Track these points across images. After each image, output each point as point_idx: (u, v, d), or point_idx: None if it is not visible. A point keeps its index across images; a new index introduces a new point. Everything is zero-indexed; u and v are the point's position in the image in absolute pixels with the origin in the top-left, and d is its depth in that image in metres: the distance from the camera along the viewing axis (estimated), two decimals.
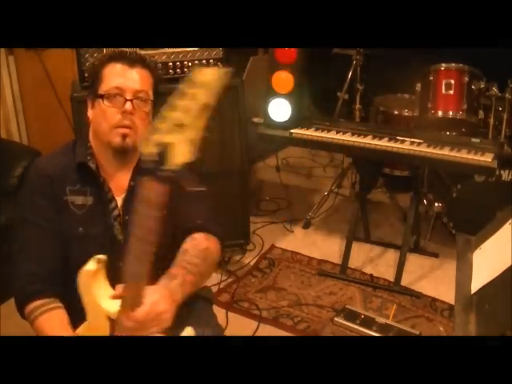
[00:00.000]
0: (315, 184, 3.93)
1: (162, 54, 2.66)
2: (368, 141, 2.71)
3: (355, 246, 3.01)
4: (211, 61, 2.71)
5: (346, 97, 3.30)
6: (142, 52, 2.60)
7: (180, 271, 1.44)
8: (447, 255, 3.00)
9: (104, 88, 1.54)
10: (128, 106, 1.51)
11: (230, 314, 2.62)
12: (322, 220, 3.46)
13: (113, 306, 1.34)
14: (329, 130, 2.82)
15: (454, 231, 2.95)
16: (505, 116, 2.79)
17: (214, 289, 2.75)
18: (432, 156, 2.59)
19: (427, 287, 2.80)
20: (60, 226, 1.55)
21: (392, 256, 3.05)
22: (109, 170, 1.59)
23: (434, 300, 2.70)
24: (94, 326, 1.39)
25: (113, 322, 1.35)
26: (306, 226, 3.39)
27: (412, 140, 2.68)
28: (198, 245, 1.54)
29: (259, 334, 2.51)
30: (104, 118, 1.53)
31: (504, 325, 1.12)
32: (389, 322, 2.52)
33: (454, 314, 1.34)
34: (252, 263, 3.03)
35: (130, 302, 1.30)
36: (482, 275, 1.30)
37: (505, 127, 2.80)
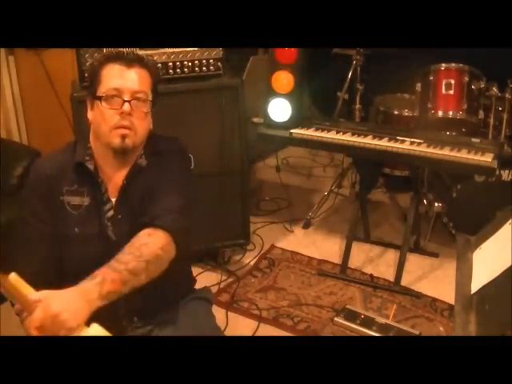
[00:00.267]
0: (315, 184, 3.93)
1: (162, 54, 2.66)
2: (368, 141, 2.71)
3: (355, 246, 3.01)
4: (211, 61, 2.71)
5: (346, 97, 3.30)
6: (142, 52, 2.65)
7: (102, 270, 1.38)
8: (447, 255, 3.00)
9: (102, 89, 1.54)
10: (126, 107, 1.51)
11: (229, 313, 2.62)
12: (322, 220, 3.46)
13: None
14: (329, 130, 2.82)
15: (453, 231, 2.95)
16: (505, 116, 2.79)
17: (214, 289, 2.76)
18: (432, 156, 2.59)
19: (427, 287, 2.80)
20: (56, 227, 1.56)
21: (392, 256, 3.05)
22: (107, 171, 1.59)
23: (434, 300, 2.70)
24: None
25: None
26: (306, 226, 3.39)
27: (412, 140, 2.68)
28: (135, 241, 1.46)
29: (259, 333, 2.51)
30: (103, 119, 1.53)
31: (504, 325, 1.12)
32: (389, 321, 2.52)
33: (454, 313, 1.34)
34: (252, 263, 3.03)
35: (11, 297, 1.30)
36: (482, 275, 1.30)
37: (505, 127, 2.80)
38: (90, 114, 1.59)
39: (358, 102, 3.25)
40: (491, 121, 2.81)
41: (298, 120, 2.89)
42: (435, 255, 3.04)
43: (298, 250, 3.14)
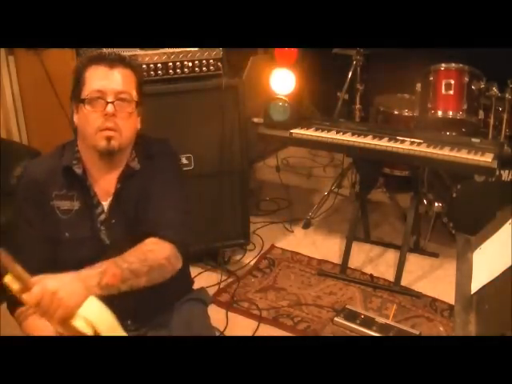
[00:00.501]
0: (315, 184, 3.93)
1: (162, 54, 2.66)
2: (368, 141, 2.71)
3: (355, 246, 3.00)
4: (211, 61, 2.71)
5: (346, 97, 3.30)
6: (142, 52, 2.66)
7: (105, 263, 1.40)
8: (447, 255, 3.00)
9: (85, 92, 1.52)
10: (109, 108, 1.50)
11: (229, 313, 2.62)
12: (322, 220, 3.46)
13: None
14: (329, 130, 2.82)
15: (454, 231, 2.95)
16: (505, 116, 2.79)
17: (214, 289, 2.76)
18: (432, 156, 2.59)
19: (427, 287, 2.79)
20: (48, 232, 1.55)
21: (392, 256, 3.05)
22: (95, 174, 1.58)
23: (434, 300, 2.70)
24: None
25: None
26: (306, 226, 3.39)
27: (412, 140, 2.68)
28: (142, 246, 1.48)
29: (259, 333, 2.51)
30: (87, 122, 1.52)
31: (504, 325, 1.12)
32: (389, 321, 2.52)
33: (454, 313, 1.34)
34: (252, 263, 3.03)
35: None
36: (482, 275, 1.30)
37: (505, 127, 2.80)
38: (75, 117, 1.58)
39: (358, 102, 3.25)
40: (491, 121, 2.81)
41: (297, 120, 2.89)
42: (435, 255, 3.04)
43: (298, 250, 3.14)
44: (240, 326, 2.56)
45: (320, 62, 3.37)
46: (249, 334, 2.50)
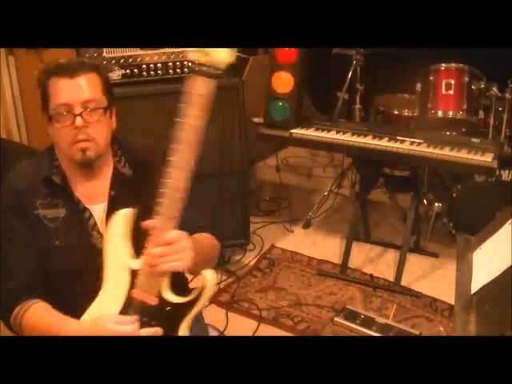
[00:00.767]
0: (315, 184, 3.93)
1: (162, 54, 2.66)
2: (368, 141, 2.71)
3: (355, 246, 3.01)
4: None
5: (346, 97, 3.30)
6: (142, 52, 2.66)
7: (200, 237, 1.53)
8: (447, 255, 3.00)
9: (52, 107, 1.48)
10: (78, 121, 1.45)
11: (229, 313, 2.62)
12: (322, 220, 3.46)
13: (136, 263, 1.41)
14: (329, 130, 2.82)
15: (453, 231, 2.95)
16: (505, 116, 2.79)
17: (215, 288, 2.76)
18: (432, 156, 2.59)
19: (427, 287, 2.80)
20: (35, 240, 1.51)
21: (392, 256, 3.05)
22: (77, 180, 1.55)
23: (434, 300, 2.70)
24: (111, 288, 1.42)
25: (134, 275, 1.40)
26: (306, 226, 3.39)
27: (412, 140, 2.68)
28: (208, 236, 1.62)
29: (259, 333, 2.51)
30: (59, 136, 1.50)
31: (504, 325, 1.12)
32: (389, 321, 2.52)
33: (454, 313, 1.34)
34: (252, 263, 3.03)
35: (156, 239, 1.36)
36: (482, 275, 1.30)
37: (505, 127, 2.80)
38: (49, 129, 1.55)
39: (358, 102, 3.25)
40: (491, 121, 2.81)
41: (298, 120, 2.89)
42: (435, 255, 3.04)
43: (298, 250, 3.14)
44: (240, 326, 2.56)
45: (320, 62, 3.36)
46: (249, 334, 2.50)
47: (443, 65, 2.86)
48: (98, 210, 1.56)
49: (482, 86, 2.82)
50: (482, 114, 2.84)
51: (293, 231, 3.36)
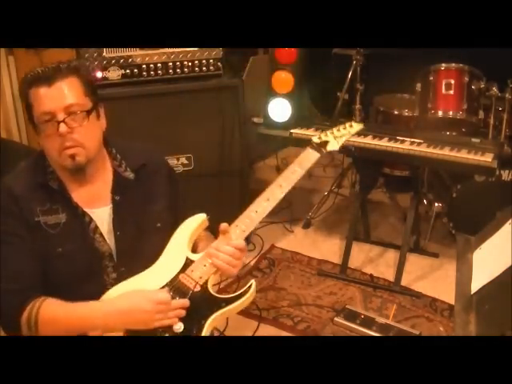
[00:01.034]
0: (315, 184, 3.93)
1: (162, 54, 2.66)
2: (368, 141, 2.71)
3: (355, 246, 3.00)
4: (211, 61, 2.71)
5: (346, 97, 3.29)
6: (142, 52, 2.66)
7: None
8: (447, 255, 3.00)
9: (35, 116, 1.46)
10: (62, 128, 1.43)
11: None
12: (321, 220, 3.46)
13: (194, 256, 1.55)
14: None
15: (453, 231, 2.95)
16: (505, 116, 2.79)
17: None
18: (432, 156, 2.59)
19: (427, 287, 2.79)
20: (36, 246, 1.49)
21: (392, 256, 3.05)
22: (73, 185, 1.54)
23: (434, 300, 2.70)
24: (160, 269, 1.52)
25: (188, 264, 1.52)
26: (306, 226, 3.39)
27: (412, 140, 2.68)
28: (212, 237, 1.68)
29: (259, 333, 2.51)
30: (48, 144, 1.48)
31: (504, 325, 1.12)
32: (389, 322, 2.52)
33: (454, 313, 1.34)
34: (252, 263, 3.03)
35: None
36: (482, 275, 1.30)
37: (505, 127, 2.79)
38: (39, 139, 1.52)
39: (358, 102, 3.24)
40: (491, 121, 2.80)
41: (298, 120, 2.89)
42: (435, 255, 3.04)
43: (298, 250, 3.14)
44: (240, 326, 2.56)
45: (320, 62, 3.36)
46: (249, 334, 2.50)
47: (443, 65, 2.86)
48: (100, 213, 1.55)
49: (482, 86, 2.82)
50: (482, 114, 2.84)
51: (293, 231, 3.36)
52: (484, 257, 1.39)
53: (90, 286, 1.48)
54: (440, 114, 2.85)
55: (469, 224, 2.67)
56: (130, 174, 1.59)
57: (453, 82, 2.81)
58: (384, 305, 2.69)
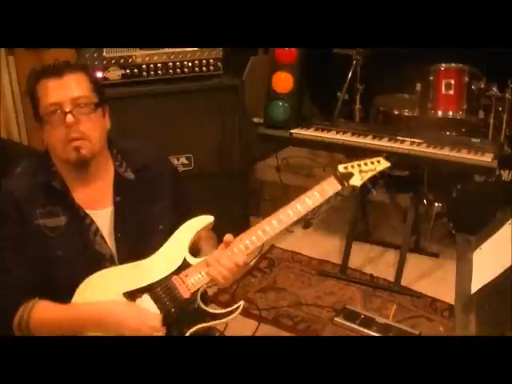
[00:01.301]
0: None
1: (162, 54, 2.66)
2: (368, 141, 2.71)
3: (355, 246, 3.00)
4: (211, 61, 2.71)
5: (346, 97, 3.30)
6: (142, 52, 2.66)
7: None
8: (447, 255, 3.00)
9: (42, 109, 1.47)
10: (69, 118, 1.43)
11: None
12: (321, 220, 3.46)
13: (193, 259, 1.52)
14: (329, 130, 2.82)
15: (453, 231, 2.95)
16: (505, 116, 2.79)
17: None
18: (432, 156, 2.59)
19: (427, 287, 2.79)
20: (35, 249, 1.48)
21: (392, 256, 3.04)
22: (76, 185, 1.53)
23: (434, 300, 2.70)
24: (154, 265, 1.50)
25: (183, 267, 1.50)
26: (306, 226, 3.39)
27: (412, 140, 2.68)
28: (213, 237, 1.72)
29: (259, 333, 2.51)
30: (53, 137, 1.47)
31: (504, 325, 1.12)
32: (389, 322, 2.52)
33: (453, 314, 1.34)
34: (252, 263, 3.03)
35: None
36: (482, 275, 1.30)
37: (505, 127, 2.79)
38: (42, 135, 1.52)
39: (358, 102, 3.25)
40: (491, 121, 2.81)
41: (297, 120, 2.89)
42: (435, 255, 3.04)
43: (298, 250, 3.14)
44: (240, 326, 2.55)
45: (320, 62, 3.36)
46: (249, 334, 2.50)
47: (443, 65, 2.86)
48: (101, 215, 1.54)
49: (482, 86, 2.82)
50: (482, 114, 2.84)
51: (293, 231, 3.35)
52: (484, 257, 1.39)
53: None
54: (440, 114, 2.85)
55: (469, 224, 2.66)
56: (130, 175, 1.58)
57: (453, 82, 2.81)
58: (384, 305, 2.69)
